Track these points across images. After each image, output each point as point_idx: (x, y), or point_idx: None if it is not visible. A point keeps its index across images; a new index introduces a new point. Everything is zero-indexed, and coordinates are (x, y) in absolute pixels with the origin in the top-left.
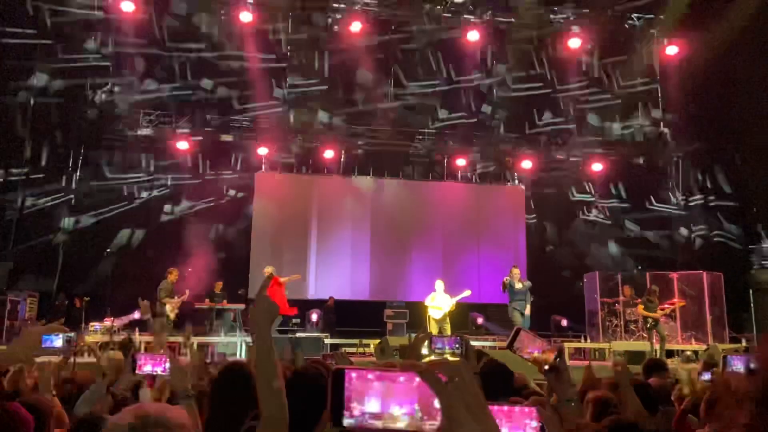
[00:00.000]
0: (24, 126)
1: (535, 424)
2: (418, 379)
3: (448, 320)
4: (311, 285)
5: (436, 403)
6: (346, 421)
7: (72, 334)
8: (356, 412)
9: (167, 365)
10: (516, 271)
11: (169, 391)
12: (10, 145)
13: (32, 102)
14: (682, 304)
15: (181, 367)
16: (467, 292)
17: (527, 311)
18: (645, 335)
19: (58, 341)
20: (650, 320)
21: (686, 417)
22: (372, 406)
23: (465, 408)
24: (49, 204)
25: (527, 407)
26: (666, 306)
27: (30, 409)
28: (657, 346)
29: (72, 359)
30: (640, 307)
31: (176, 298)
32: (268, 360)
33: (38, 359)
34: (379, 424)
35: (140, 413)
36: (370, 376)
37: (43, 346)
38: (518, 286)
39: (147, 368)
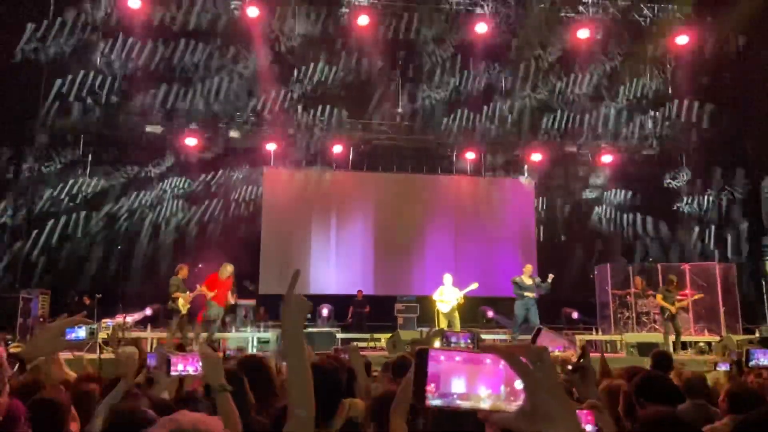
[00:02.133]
0: (33, 123)
1: (590, 428)
2: (503, 361)
3: (456, 314)
4: (322, 280)
5: (518, 385)
6: (434, 401)
7: (95, 326)
8: (443, 392)
9: (199, 364)
10: (528, 269)
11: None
12: (20, 142)
13: (42, 98)
14: (700, 296)
15: (215, 362)
16: (474, 285)
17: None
18: (657, 327)
19: (81, 333)
20: (667, 311)
21: None
22: (458, 386)
23: (548, 391)
24: (59, 201)
25: (584, 411)
26: (681, 298)
27: (48, 405)
28: (672, 338)
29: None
30: (659, 297)
31: (188, 293)
32: (301, 359)
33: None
34: (466, 404)
35: (174, 427)
36: (457, 357)
37: (66, 338)
38: (529, 282)
39: (180, 367)
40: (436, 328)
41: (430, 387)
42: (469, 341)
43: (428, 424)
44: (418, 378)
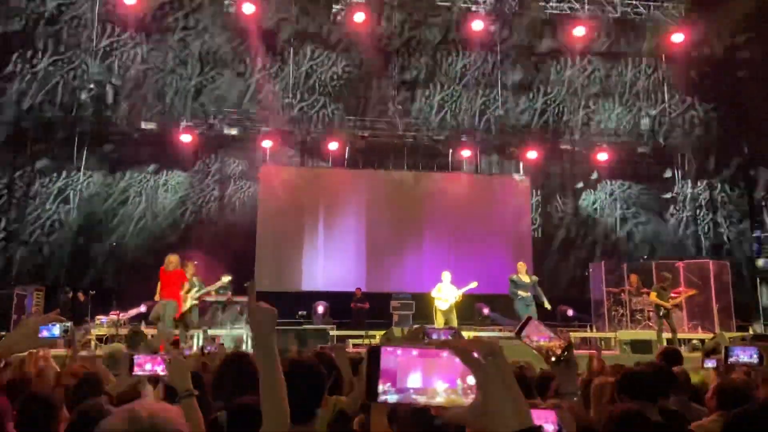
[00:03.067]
0: (27, 119)
1: (551, 427)
2: (452, 360)
3: (454, 311)
4: (317, 277)
5: (470, 380)
6: (389, 397)
7: (69, 324)
8: (400, 387)
9: (166, 364)
10: (522, 266)
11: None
12: (15, 139)
13: (37, 94)
14: (694, 292)
15: (181, 365)
16: (474, 284)
17: (546, 304)
18: (651, 324)
19: (55, 331)
20: (662, 309)
21: None
22: (414, 381)
23: (501, 386)
24: (54, 198)
25: (546, 410)
26: (674, 295)
27: (42, 402)
28: (668, 335)
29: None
30: (653, 294)
31: (194, 291)
32: (272, 370)
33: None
34: (422, 398)
35: (132, 417)
36: (414, 352)
37: (40, 336)
38: (526, 280)
39: (147, 366)
40: (417, 325)
41: (386, 384)
42: (450, 338)
43: (407, 420)
44: (370, 375)
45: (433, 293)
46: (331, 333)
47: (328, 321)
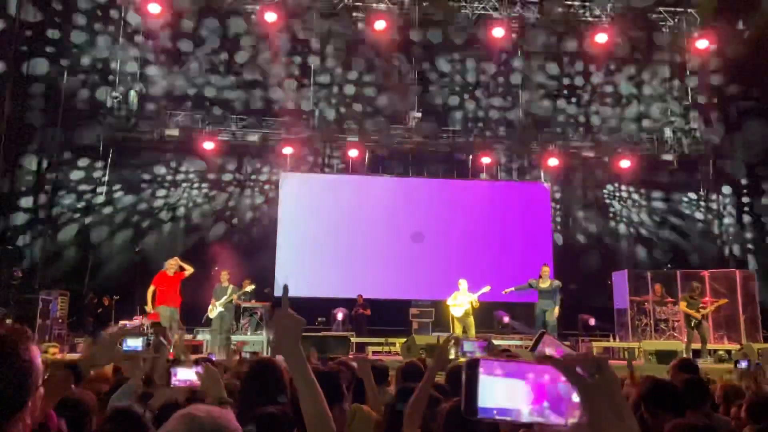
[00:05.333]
0: (52, 125)
1: None
2: (547, 376)
3: (471, 318)
4: (337, 283)
5: (574, 398)
6: (484, 415)
7: (152, 337)
8: (481, 406)
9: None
10: (546, 271)
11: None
12: (40, 145)
13: (62, 101)
14: (724, 302)
15: (213, 374)
16: (486, 288)
17: (556, 312)
18: (676, 334)
19: (138, 344)
20: (693, 319)
21: None
22: (498, 402)
23: (608, 405)
24: (79, 203)
25: None
26: (703, 305)
27: (72, 405)
28: (697, 345)
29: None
30: (683, 304)
31: (224, 298)
32: (305, 375)
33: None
34: (507, 419)
35: (193, 422)
36: (497, 371)
37: (123, 349)
38: (544, 285)
39: (183, 377)
40: (452, 335)
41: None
42: (485, 351)
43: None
44: (469, 389)
45: (449, 301)
46: (352, 340)
47: (347, 328)
